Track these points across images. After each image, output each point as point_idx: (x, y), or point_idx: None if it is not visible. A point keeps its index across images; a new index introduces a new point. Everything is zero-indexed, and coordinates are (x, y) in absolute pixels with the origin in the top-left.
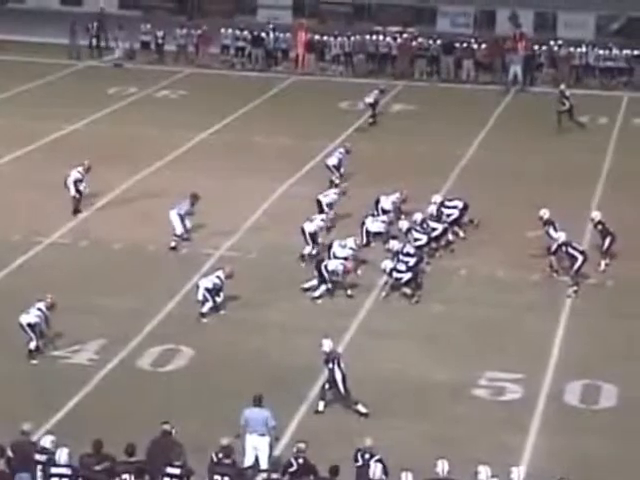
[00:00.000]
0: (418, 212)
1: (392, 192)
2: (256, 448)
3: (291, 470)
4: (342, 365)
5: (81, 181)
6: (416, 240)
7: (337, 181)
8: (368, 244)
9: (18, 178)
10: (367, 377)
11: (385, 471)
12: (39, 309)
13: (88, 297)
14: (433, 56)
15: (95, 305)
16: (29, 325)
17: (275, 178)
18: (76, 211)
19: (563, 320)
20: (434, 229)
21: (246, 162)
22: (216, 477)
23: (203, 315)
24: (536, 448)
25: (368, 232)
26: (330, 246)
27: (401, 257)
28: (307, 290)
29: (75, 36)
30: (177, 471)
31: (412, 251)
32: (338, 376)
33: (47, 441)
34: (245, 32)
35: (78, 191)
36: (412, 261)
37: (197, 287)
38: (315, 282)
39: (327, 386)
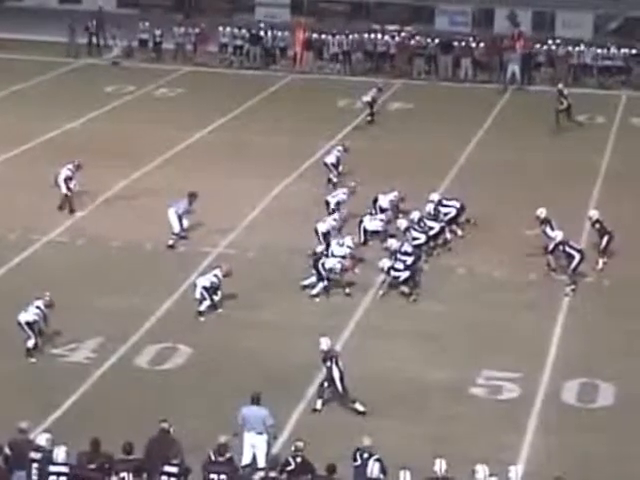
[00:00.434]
0: (416, 211)
1: (390, 190)
2: (254, 446)
3: (289, 468)
4: (340, 363)
5: (71, 179)
6: (414, 239)
7: (335, 179)
8: (366, 243)
9: (16, 176)
10: (365, 375)
11: (383, 470)
12: (37, 307)
13: (86, 295)
14: (431, 55)
15: (93, 303)
16: (27, 323)
17: (273, 176)
18: (71, 210)
19: (560, 319)
20: (431, 228)
21: (244, 160)
22: (212, 476)
23: (201, 313)
24: (534, 447)
25: (366, 231)
26: (328, 244)
27: (399, 256)
28: (306, 287)
29: (73, 34)
30: (175, 469)
31: (410, 250)
32: (336, 374)
33: (43, 439)
34: (243, 30)
35: (69, 189)
36: (410, 260)
37: (195, 285)
38: (314, 279)
39: (325, 384)
